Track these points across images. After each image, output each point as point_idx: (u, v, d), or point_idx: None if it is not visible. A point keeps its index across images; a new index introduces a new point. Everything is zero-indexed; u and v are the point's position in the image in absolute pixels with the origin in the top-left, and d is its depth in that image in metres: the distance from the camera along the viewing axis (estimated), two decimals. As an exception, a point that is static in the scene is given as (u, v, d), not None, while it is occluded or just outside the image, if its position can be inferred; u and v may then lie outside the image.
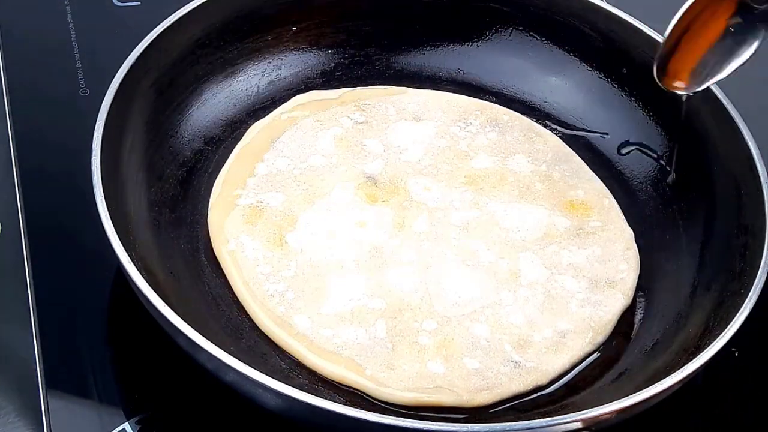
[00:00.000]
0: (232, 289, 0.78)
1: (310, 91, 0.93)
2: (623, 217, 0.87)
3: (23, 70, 0.95)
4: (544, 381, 0.75)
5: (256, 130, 0.89)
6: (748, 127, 0.82)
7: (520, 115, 0.94)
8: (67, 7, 1.02)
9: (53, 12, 1.02)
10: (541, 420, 0.64)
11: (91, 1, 1.04)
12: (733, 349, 0.77)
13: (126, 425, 0.71)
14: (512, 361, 0.75)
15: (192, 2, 0.87)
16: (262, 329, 0.76)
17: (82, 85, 0.94)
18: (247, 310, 0.77)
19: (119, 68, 0.80)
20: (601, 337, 0.78)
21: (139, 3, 1.04)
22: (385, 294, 0.78)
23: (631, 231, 0.85)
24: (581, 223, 0.85)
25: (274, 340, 0.75)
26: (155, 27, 0.84)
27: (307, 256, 0.80)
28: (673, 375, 0.66)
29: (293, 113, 0.90)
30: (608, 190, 0.88)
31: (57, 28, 1.00)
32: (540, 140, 0.92)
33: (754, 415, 0.78)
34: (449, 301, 0.78)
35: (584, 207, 0.87)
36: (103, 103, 0.77)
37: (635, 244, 0.84)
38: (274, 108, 0.91)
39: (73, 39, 0.99)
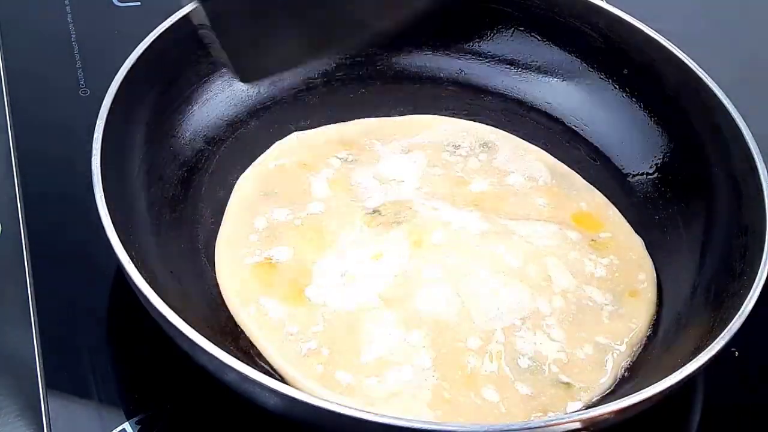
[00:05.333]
0: None
1: (291, 134, 0.90)
2: (630, 226, 0.86)
3: (23, 70, 0.95)
4: (594, 400, 0.74)
5: (245, 182, 0.86)
6: (749, 127, 0.82)
7: (506, 133, 0.93)
8: (67, 7, 1.02)
9: (53, 12, 1.02)
10: (540, 420, 0.64)
11: (91, 1, 1.04)
12: (733, 349, 0.76)
13: (126, 425, 0.71)
14: (562, 383, 0.74)
15: (191, 4, 0.86)
16: (304, 391, 0.70)
17: (82, 85, 0.94)
18: (283, 375, 0.73)
19: (119, 68, 0.80)
20: (637, 349, 0.77)
21: (139, 3, 1.04)
22: (420, 321, 0.76)
23: (641, 239, 0.85)
24: (592, 235, 0.85)
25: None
26: (155, 27, 0.84)
27: (331, 307, 0.77)
28: (672, 375, 0.66)
29: (280, 161, 0.88)
30: (608, 201, 0.88)
31: (57, 28, 1.00)
32: (531, 156, 0.91)
33: (754, 415, 0.78)
34: (488, 314, 0.77)
35: (591, 219, 0.86)
36: (103, 103, 0.77)
37: (647, 253, 0.84)
38: (275, 107, 0.91)
39: (73, 39, 0.99)
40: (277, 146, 0.89)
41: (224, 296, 0.78)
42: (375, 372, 0.73)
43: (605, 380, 0.75)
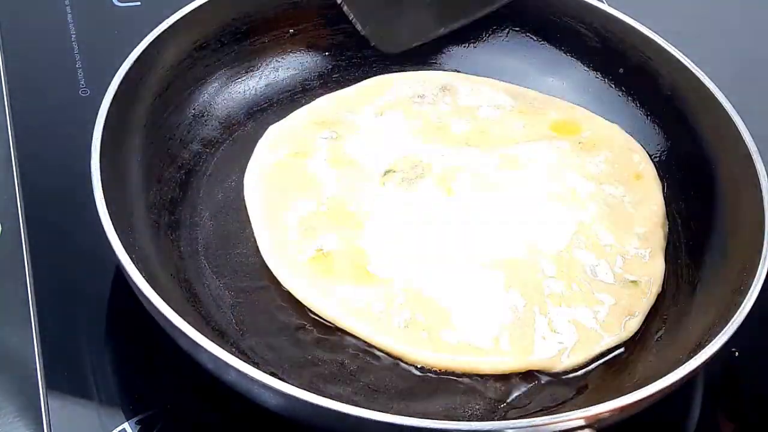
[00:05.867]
0: (232, 291, 0.76)
1: (268, 129, 0.88)
2: (601, 118, 0.91)
3: (23, 70, 0.94)
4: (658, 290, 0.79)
5: (252, 192, 0.83)
6: (746, 125, 0.81)
7: (457, 74, 0.94)
8: (67, 7, 1.01)
9: (53, 12, 1.00)
10: (545, 417, 0.63)
11: (91, 1, 1.03)
12: (733, 349, 0.76)
13: (126, 425, 0.70)
14: (630, 282, 0.78)
15: (189, 5, 0.85)
16: (439, 367, 0.73)
17: (82, 85, 0.93)
18: (394, 353, 0.73)
19: (119, 69, 0.79)
20: (666, 229, 0.83)
21: (139, 3, 1.03)
22: (494, 264, 0.78)
23: (617, 124, 0.90)
24: (576, 138, 0.89)
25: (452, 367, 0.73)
26: (155, 27, 0.83)
27: (401, 276, 0.77)
28: (675, 372, 0.66)
29: (272, 158, 0.85)
30: (572, 104, 0.93)
31: (57, 28, 0.98)
32: (487, 88, 0.93)
33: (754, 415, 0.77)
34: (547, 239, 0.80)
35: (567, 124, 0.90)
36: (101, 105, 0.76)
37: (627, 134, 0.89)
38: (272, 110, 0.90)
39: (73, 39, 0.97)
40: (262, 145, 0.87)
41: (302, 300, 0.76)
42: (475, 323, 0.75)
43: (660, 264, 0.80)
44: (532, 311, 0.76)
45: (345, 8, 0.76)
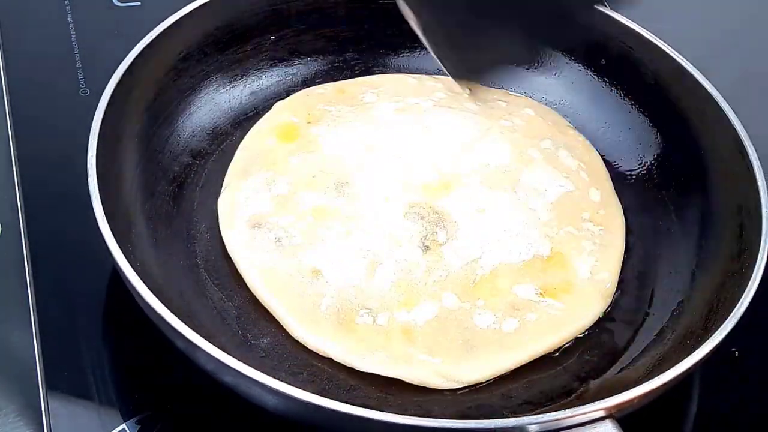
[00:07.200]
0: (235, 303, 0.73)
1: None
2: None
3: (23, 70, 0.91)
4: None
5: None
6: (734, 111, 0.78)
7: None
8: (67, 7, 0.97)
9: (53, 12, 0.97)
10: (567, 411, 0.60)
11: (91, 1, 0.99)
12: (733, 349, 0.74)
13: (126, 425, 0.68)
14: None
15: (170, 18, 0.81)
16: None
17: (82, 85, 0.90)
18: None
19: (104, 91, 0.75)
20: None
21: (139, 3, 0.99)
22: None
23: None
24: None
25: None
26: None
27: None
28: (693, 355, 0.63)
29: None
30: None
31: (57, 28, 0.95)
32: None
33: (754, 415, 0.74)
34: None
35: None
36: (93, 124, 0.72)
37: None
38: (258, 118, 0.85)
39: (73, 39, 0.94)
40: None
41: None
42: None
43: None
44: None
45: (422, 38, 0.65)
